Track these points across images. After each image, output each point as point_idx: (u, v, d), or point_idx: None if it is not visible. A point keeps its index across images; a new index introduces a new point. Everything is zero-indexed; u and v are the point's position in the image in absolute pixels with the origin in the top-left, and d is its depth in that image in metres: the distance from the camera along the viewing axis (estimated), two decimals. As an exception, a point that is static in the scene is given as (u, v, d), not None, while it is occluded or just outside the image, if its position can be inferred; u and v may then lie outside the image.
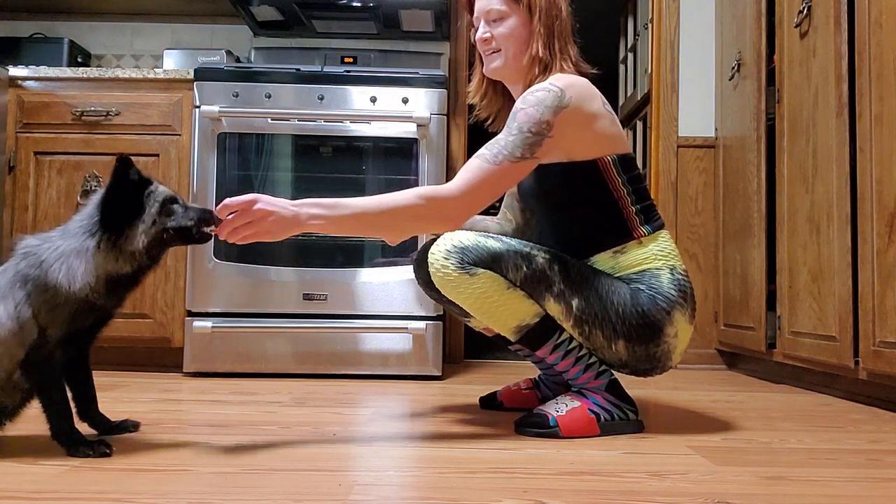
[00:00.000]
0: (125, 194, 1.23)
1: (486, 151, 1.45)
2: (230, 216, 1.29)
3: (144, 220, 1.24)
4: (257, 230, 1.30)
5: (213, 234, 1.30)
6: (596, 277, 1.49)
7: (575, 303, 1.46)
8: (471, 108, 1.76)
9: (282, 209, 1.31)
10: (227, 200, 1.28)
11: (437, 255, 1.46)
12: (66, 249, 1.21)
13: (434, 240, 1.53)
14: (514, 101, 1.69)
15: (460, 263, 1.44)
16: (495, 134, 1.75)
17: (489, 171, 1.43)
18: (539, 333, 1.47)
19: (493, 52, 1.59)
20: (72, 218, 1.26)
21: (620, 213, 1.53)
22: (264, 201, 1.29)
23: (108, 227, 1.22)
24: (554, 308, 1.47)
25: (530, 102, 1.47)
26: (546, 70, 1.54)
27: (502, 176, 1.44)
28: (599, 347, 1.49)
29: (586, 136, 1.50)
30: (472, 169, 1.44)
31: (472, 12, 1.65)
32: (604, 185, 1.52)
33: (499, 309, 1.45)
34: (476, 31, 1.63)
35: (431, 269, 1.47)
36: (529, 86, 1.55)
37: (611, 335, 1.47)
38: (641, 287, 1.49)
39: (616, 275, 1.52)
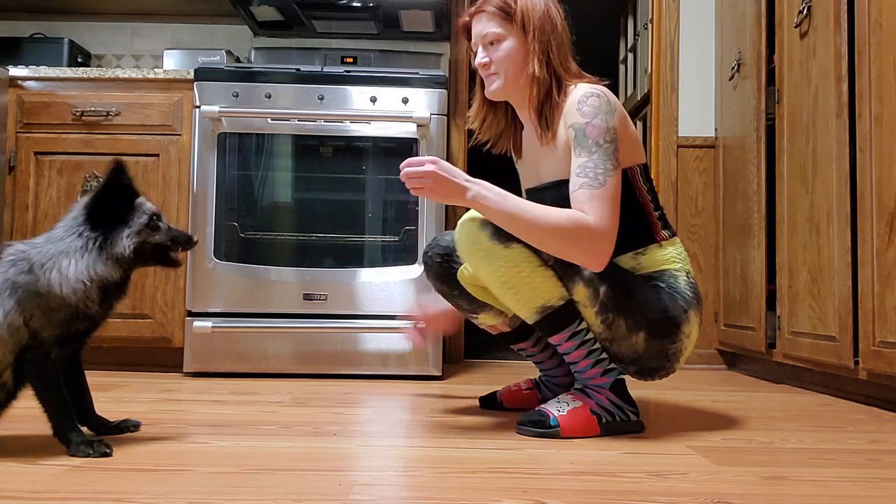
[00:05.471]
0: (117, 196, 1.26)
1: (585, 180, 1.42)
2: (408, 169, 1.41)
3: (131, 226, 1.26)
4: (423, 187, 1.40)
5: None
6: (622, 271, 1.51)
7: (603, 289, 1.46)
8: (470, 132, 1.75)
9: (452, 178, 1.40)
10: (410, 160, 1.42)
11: (469, 224, 1.46)
12: (54, 251, 1.22)
13: (442, 234, 1.54)
14: (515, 123, 1.70)
15: (495, 234, 1.44)
16: (497, 156, 1.75)
17: (605, 193, 1.41)
18: (560, 318, 1.47)
19: (493, 75, 1.59)
20: (55, 225, 1.27)
21: (646, 219, 1.56)
22: (440, 166, 1.39)
23: (95, 225, 1.24)
24: (581, 292, 1.46)
25: (589, 114, 1.46)
26: (559, 87, 1.54)
27: (614, 190, 1.43)
28: (619, 338, 1.49)
29: (627, 140, 1.52)
30: (587, 200, 1.41)
31: (469, 38, 1.65)
32: (632, 192, 1.54)
33: (526, 286, 1.45)
34: (475, 55, 1.63)
35: (460, 238, 1.47)
36: (534, 105, 1.56)
37: (633, 326, 1.48)
38: (661, 285, 1.52)
39: (637, 273, 1.55)
